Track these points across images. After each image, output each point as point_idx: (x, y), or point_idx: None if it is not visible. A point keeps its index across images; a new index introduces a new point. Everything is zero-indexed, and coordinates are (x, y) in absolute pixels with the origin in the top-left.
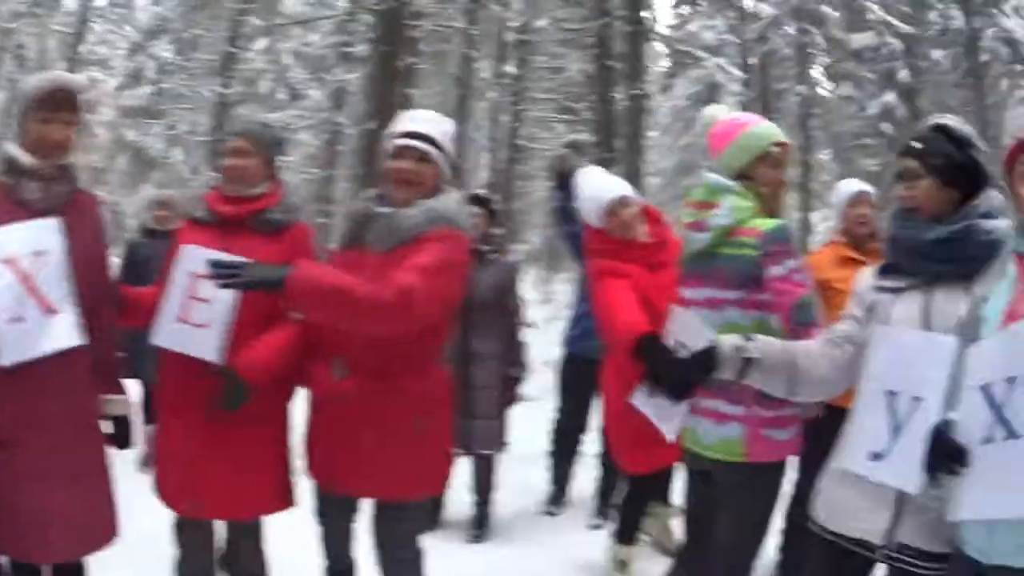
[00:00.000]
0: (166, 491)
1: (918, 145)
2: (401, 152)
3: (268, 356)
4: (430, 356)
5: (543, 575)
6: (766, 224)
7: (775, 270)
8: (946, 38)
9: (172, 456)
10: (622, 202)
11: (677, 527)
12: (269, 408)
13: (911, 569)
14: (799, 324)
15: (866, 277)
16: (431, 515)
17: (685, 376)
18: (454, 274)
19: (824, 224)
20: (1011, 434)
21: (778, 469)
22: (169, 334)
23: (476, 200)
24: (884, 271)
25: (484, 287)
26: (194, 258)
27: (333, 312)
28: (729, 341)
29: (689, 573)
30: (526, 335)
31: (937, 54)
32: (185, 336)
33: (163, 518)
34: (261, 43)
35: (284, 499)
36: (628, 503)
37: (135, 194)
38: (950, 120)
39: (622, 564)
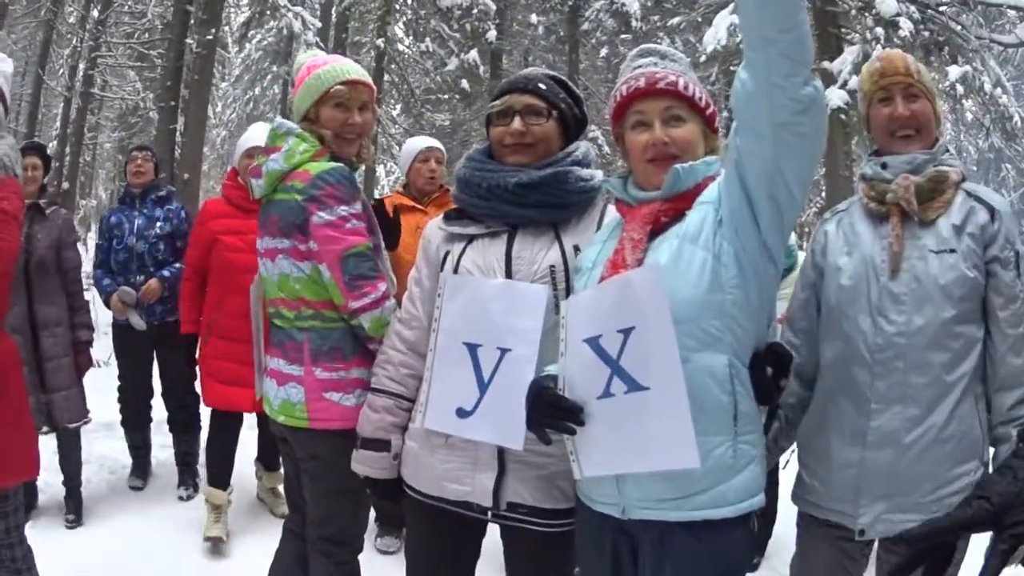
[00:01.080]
0: None
1: (543, 86)
2: None
3: None
4: None
5: (151, 553)
6: (318, 167)
7: (321, 215)
8: (547, 5)
9: None
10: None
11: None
12: None
13: (526, 527)
14: (352, 277)
15: (433, 229)
16: (26, 503)
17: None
18: (12, 224)
19: (390, 178)
20: (634, 387)
21: (349, 436)
22: None
23: (33, 150)
24: (453, 216)
25: (43, 244)
26: None
27: None
28: (377, 428)
29: (298, 545)
30: (87, 295)
31: (535, 19)
32: None
33: None
34: None
35: None
36: (211, 443)
37: None
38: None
39: (216, 508)
